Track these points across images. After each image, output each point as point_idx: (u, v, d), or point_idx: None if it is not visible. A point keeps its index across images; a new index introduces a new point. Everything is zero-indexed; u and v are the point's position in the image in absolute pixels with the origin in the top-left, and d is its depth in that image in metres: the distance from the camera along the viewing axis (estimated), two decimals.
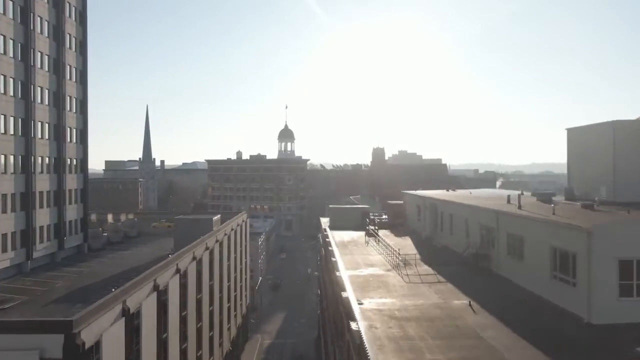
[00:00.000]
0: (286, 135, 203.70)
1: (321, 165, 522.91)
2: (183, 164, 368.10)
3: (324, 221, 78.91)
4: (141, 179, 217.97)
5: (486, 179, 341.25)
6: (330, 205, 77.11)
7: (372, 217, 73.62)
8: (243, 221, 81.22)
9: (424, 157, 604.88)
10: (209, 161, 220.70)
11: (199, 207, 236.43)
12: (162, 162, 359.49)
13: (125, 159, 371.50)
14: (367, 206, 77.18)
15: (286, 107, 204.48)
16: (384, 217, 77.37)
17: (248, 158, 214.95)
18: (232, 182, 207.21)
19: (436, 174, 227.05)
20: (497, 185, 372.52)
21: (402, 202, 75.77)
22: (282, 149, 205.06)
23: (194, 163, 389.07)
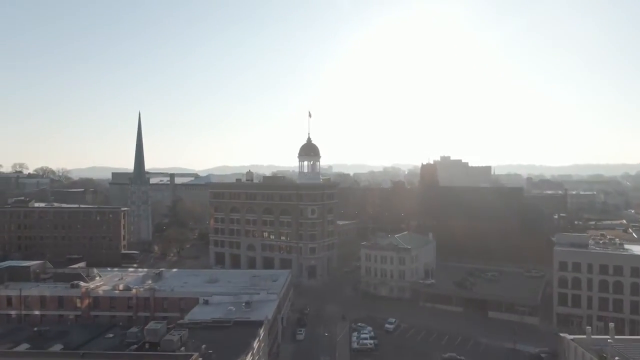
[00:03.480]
0: (309, 151, 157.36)
1: (354, 178, 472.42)
2: (195, 177, 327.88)
3: None
4: (125, 208, 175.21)
5: (555, 198, 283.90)
6: None
7: None
8: None
9: (470, 164, 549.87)
10: (211, 185, 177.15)
11: (203, 238, 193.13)
12: (172, 176, 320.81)
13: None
14: None
15: (309, 115, 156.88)
16: None
17: (261, 180, 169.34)
18: (239, 212, 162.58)
19: (508, 198, 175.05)
20: (568, 202, 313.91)
21: None
22: (304, 169, 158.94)
23: (207, 176, 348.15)
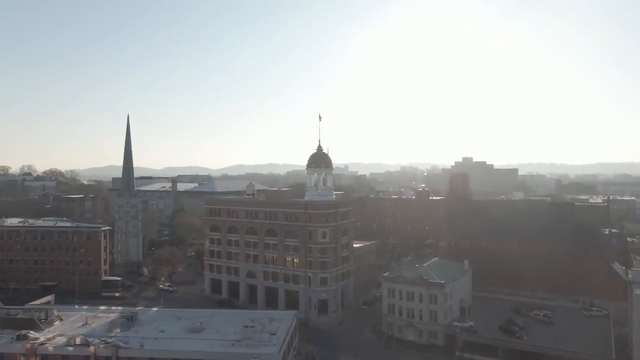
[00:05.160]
0: (319, 162, 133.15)
1: (370, 183, 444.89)
2: (200, 184, 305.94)
3: None
4: (105, 227, 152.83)
5: (598, 209, 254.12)
6: None
7: None
8: None
9: (495, 166, 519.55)
10: (206, 200, 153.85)
11: (201, 257, 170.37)
12: (174, 181, 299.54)
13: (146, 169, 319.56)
14: None
15: (320, 119, 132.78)
16: None
17: (264, 192, 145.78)
18: (238, 233, 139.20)
19: (557, 214, 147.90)
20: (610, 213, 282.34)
21: None
22: (314, 183, 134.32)
23: (212, 182, 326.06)
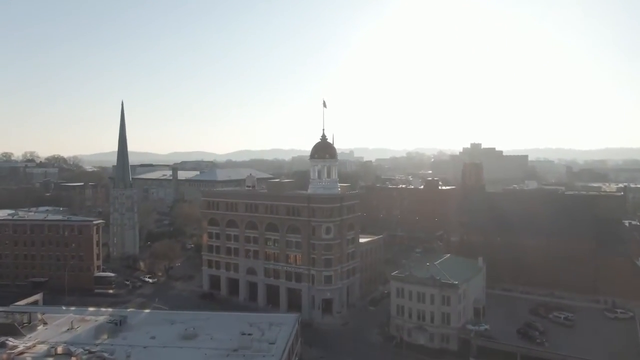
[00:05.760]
0: (323, 153, 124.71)
1: (376, 170, 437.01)
2: (201, 173, 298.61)
3: None
4: (98, 221, 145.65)
5: (614, 199, 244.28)
6: None
7: None
8: None
9: (504, 153, 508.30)
10: (202, 192, 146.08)
11: (200, 250, 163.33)
12: (175, 170, 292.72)
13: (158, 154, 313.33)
14: None
15: (324, 105, 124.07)
16: None
17: (265, 183, 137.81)
18: (237, 227, 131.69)
19: (578, 207, 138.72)
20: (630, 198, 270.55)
21: None
22: (318, 174, 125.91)
23: (213, 169, 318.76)
